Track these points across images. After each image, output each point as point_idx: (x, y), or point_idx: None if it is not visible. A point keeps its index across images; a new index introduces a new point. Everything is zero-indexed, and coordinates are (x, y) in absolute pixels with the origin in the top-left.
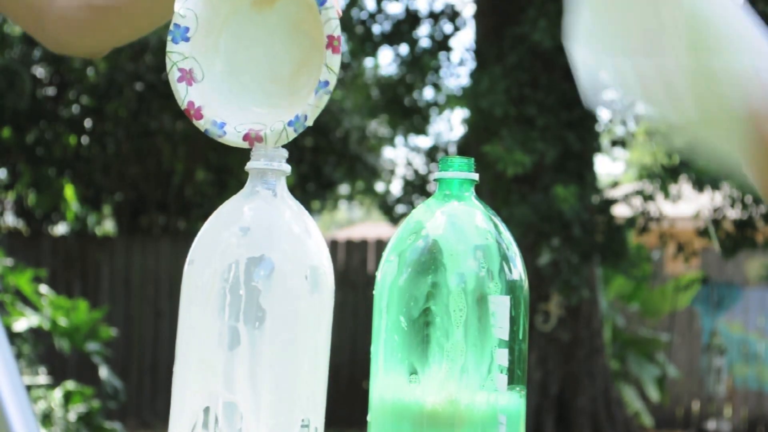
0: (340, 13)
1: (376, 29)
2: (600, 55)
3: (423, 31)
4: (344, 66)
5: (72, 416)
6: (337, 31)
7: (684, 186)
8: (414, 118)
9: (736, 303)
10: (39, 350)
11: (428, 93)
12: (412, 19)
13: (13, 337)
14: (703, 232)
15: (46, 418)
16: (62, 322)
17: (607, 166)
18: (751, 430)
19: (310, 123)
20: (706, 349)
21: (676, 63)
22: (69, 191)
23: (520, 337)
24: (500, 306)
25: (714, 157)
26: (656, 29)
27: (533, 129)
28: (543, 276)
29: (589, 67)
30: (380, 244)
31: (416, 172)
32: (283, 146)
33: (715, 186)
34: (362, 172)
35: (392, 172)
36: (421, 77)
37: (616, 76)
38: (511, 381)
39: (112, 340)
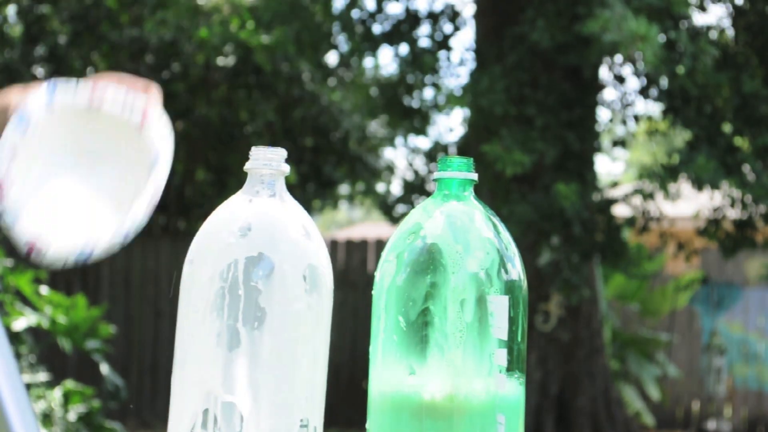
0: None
1: (376, 29)
2: None
3: (423, 31)
4: (344, 66)
5: (72, 416)
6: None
7: (684, 186)
8: (414, 119)
9: (736, 303)
10: (39, 350)
11: (428, 93)
12: (412, 19)
13: (12, 336)
14: (703, 232)
15: (46, 418)
16: (61, 320)
17: (607, 166)
18: (751, 430)
19: (101, 255)
20: (706, 349)
21: None
22: None
23: (519, 337)
24: (499, 306)
25: None
26: None
27: (533, 129)
28: (543, 276)
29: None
30: (380, 244)
31: (416, 172)
32: (282, 146)
33: (715, 185)
34: (362, 172)
35: (392, 172)
36: (421, 77)
37: None
38: (510, 381)
39: (112, 340)
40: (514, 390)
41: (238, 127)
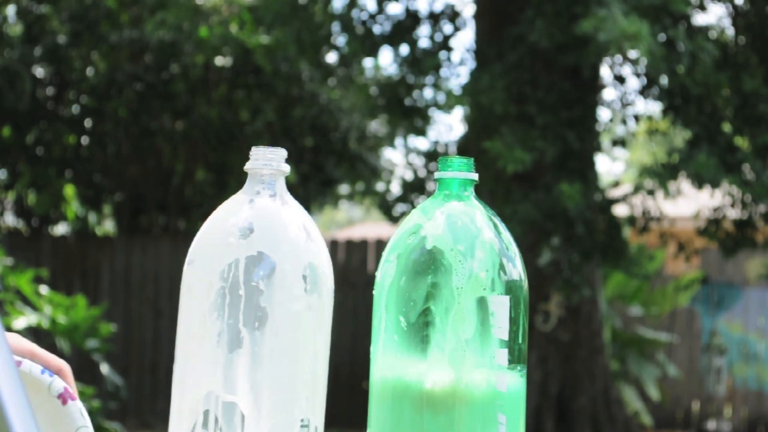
0: (76, 398)
1: (377, 29)
2: None
3: (423, 32)
4: (344, 66)
5: None
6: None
7: (684, 185)
8: (414, 118)
9: (736, 303)
10: None
11: (428, 93)
12: (412, 19)
13: None
14: (703, 232)
15: None
16: (61, 319)
17: (608, 166)
18: (751, 430)
19: None
20: (706, 349)
21: None
22: (69, 191)
23: (520, 337)
24: (500, 306)
25: None
26: None
27: (533, 127)
28: (543, 276)
29: None
30: (380, 244)
31: (415, 172)
32: (282, 146)
33: (715, 184)
34: (363, 171)
35: (392, 172)
36: (421, 77)
37: None
38: (512, 373)
39: (112, 340)
40: (515, 381)
41: (238, 127)
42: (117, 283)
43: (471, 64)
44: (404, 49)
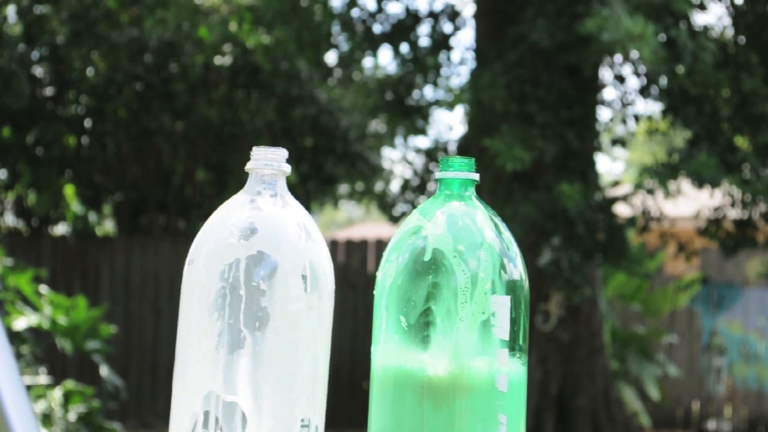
0: None
1: (377, 29)
2: None
3: (423, 31)
4: (344, 65)
5: (72, 416)
6: None
7: (684, 185)
8: (414, 117)
9: (736, 303)
10: (39, 350)
11: (428, 92)
12: (412, 18)
13: (13, 336)
14: (703, 232)
15: (46, 418)
16: (62, 320)
17: (608, 166)
18: (751, 430)
19: None
20: (706, 349)
21: None
22: (69, 191)
23: (521, 337)
24: (501, 306)
25: None
26: None
27: (533, 126)
28: (543, 276)
29: None
30: (380, 244)
31: (416, 172)
32: (282, 145)
33: (716, 184)
34: (363, 170)
35: (392, 171)
36: (421, 76)
37: None
38: (512, 360)
39: (112, 341)
40: (515, 381)
41: (238, 127)
42: (117, 283)
43: (471, 63)
44: (404, 48)
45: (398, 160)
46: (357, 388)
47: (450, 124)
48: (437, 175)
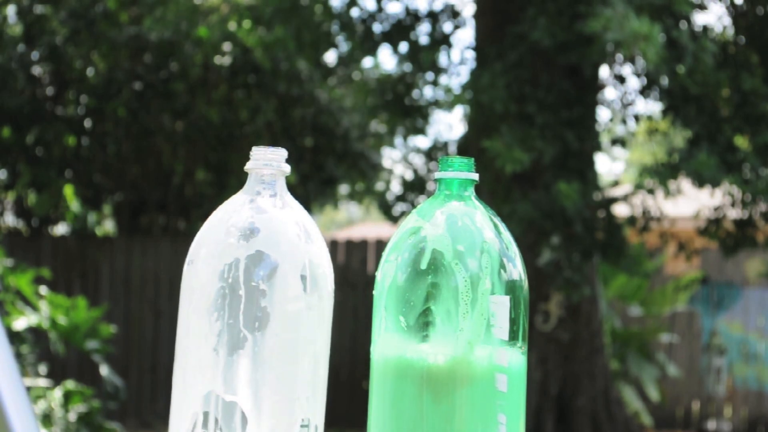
0: None
1: (376, 28)
2: None
3: (423, 31)
4: (344, 65)
5: (72, 416)
6: None
7: (684, 185)
8: (414, 117)
9: (736, 303)
10: (39, 350)
11: (428, 92)
12: (412, 18)
13: (13, 336)
14: (703, 231)
15: (46, 418)
16: (61, 320)
17: (608, 166)
18: (751, 430)
19: None
20: (706, 349)
21: None
22: (69, 191)
23: (520, 337)
24: (500, 306)
25: None
26: None
27: (532, 127)
28: (543, 276)
29: None
30: (380, 244)
31: (416, 171)
32: (282, 145)
33: (716, 183)
34: (363, 170)
35: (391, 171)
36: (421, 76)
37: None
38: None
39: (112, 341)
40: (514, 381)
41: (238, 127)
42: (117, 283)
43: (471, 63)
44: (404, 47)
45: (398, 160)
46: (357, 388)
47: (450, 124)
48: (437, 175)
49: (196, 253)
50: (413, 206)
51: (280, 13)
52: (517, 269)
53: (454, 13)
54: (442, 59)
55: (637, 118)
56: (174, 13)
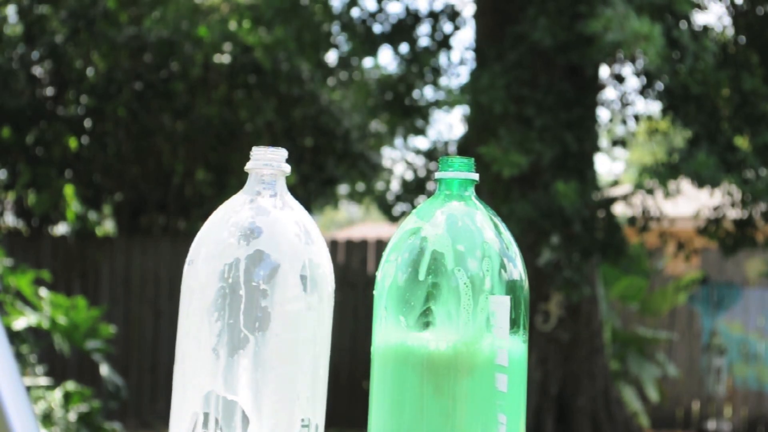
0: None
1: (377, 28)
2: None
3: (423, 31)
4: (344, 65)
5: (72, 416)
6: None
7: (684, 185)
8: (414, 117)
9: (736, 303)
10: (39, 350)
11: (428, 92)
12: (412, 18)
13: (13, 336)
14: (703, 231)
15: (46, 418)
16: (61, 320)
17: (608, 166)
18: (751, 430)
19: None
20: (706, 349)
21: None
22: (69, 191)
23: (520, 337)
24: (500, 306)
25: None
26: None
27: (531, 129)
28: (543, 276)
29: None
30: (380, 244)
31: (416, 172)
32: (282, 146)
33: (715, 183)
34: (363, 170)
35: (392, 171)
36: (421, 76)
37: None
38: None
39: (112, 341)
40: (515, 380)
41: (238, 127)
42: (117, 283)
43: (471, 63)
44: (404, 48)
45: (398, 160)
46: (357, 388)
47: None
48: (437, 175)
49: (196, 253)
50: (413, 206)
51: (280, 13)
52: (517, 269)
53: (454, 14)
54: (442, 60)
55: (637, 118)
56: (174, 13)
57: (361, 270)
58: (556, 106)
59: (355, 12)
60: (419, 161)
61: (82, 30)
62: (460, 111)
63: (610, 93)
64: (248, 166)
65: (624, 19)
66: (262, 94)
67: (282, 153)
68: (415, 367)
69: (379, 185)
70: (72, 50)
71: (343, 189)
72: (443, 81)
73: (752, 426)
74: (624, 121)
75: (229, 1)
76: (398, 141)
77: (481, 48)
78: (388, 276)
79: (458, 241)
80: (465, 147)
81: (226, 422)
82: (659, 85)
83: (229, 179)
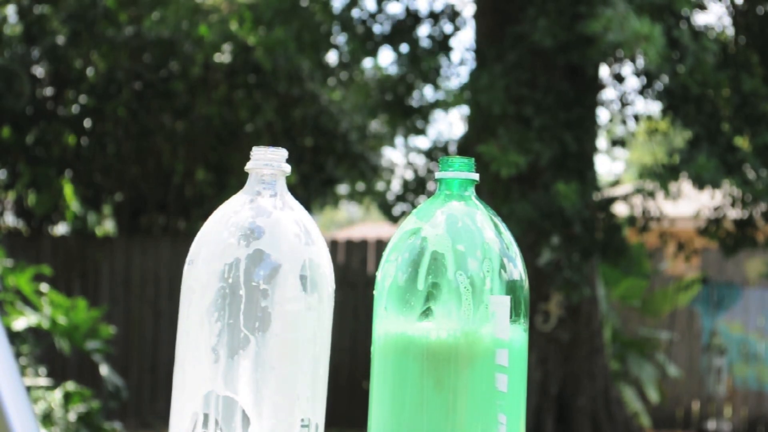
0: None
1: (377, 29)
2: None
3: (423, 31)
4: (344, 65)
5: (72, 416)
6: None
7: (685, 185)
8: (414, 118)
9: (736, 303)
10: (39, 350)
11: (428, 93)
12: (412, 18)
13: (13, 336)
14: (703, 231)
15: (46, 418)
16: (61, 320)
17: (608, 166)
18: (751, 430)
19: None
20: (706, 349)
21: None
22: (69, 191)
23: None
24: (500, 306)
25: None
26: None
27: (530, 129)
28: (543, 276)
29: None
30: (380, 244)
31: (416, 171)
32: (282, 146)
33: (716, 185)
34: (363, 170)
35: (392, 171)
36: (421, 77)
37: None
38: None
39: (112, 341)
40: (515, 380)
41: (238, 126)
42: (117, 283)
43: (471, 64)
44: (404, 48)
45: (399, 160)
46: (357, 389)
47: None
48: (437, 175)
49: (196, 253)
50: (413, 206)
51: (280, 14)
52: (517, 269)
53: (454, 14)
54: (442, 60)
55: (636, 118)
56: (174, 13)
57: (361, 270)
58: (555, 106)
59: (355, 12)
60: (420, 161)
61: (82, 31)
62: (461, 111)
63: (609, 93)
64: (248, 166)
65: (624, 19)
66: (261, 94)
67: (282, 153)
68: (416, 358)
69: (380, 186)
70: (72, 50)
71: (343, 189)
72: (443, 81)
73: (752, 426)
74: (624, 121)
75: (230, 1)
76: (398, 141)
77: (480, 48)
78: (388, 276)
79: (458, 241)
80: (465, 147)
81: (226, 422)
82: (659, 86)
83: (229, 179)
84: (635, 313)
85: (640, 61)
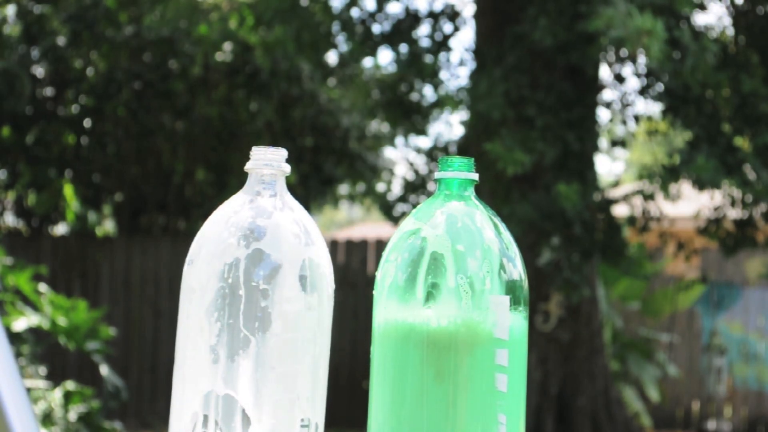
0: None
1: (376, 29)
2: None
3: (423, 31)
4: (344, 65)
5: (72, 416)
6: None
7: (684, 185)
8: (414, 118)
9: (736, 303)
10: (39, 350)
11: (428, 92)
12: (412, 18)
13: (13, 337)
14: (703, 231)
15: (46, 418)
16: (61, 321)
17: (608, 166)
18: (751, 430)
19: None
20: (706, 349)
21: None
22: (69, 191)
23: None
24: (500, 306)
25: None
26: None
27: (532, 129)
28: (543, 276)
29: None
30: (380, 244)
31: (416, 171)
32: (282, 145)
33: (716, 185)
34: (363, 170)
35: (392, 171)
36: (420, 77)
37: None
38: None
39: (112, 341)
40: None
41: (238, 126)
42: (117, 283)
43: (470, 64)
44: (404, 48)
45: (398, 160)
46: (357, 389)
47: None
48: (437, 175)
49: (196, 253)
50: (413, 206)
51: (279, 14)
52: (517, 269)
53: (454, 14)
54: (442, 61)
55: (637, 118)
56: (174, 12)
57: (361, 270)
58: (556, 106)
59: (354, 12)
60: (420, 161)
61: (82, 31)
62: (460, 113)
63: (610, 93)
64: (248, 166)
65: (626, 16)
66: (261, 94)
67: (282, 153)
68: (414, 393)
69: (380, 186)
70: (72, 50)
71: (343, 189)
72: (442, 82)
73: (752, 426)
74: (624, 122)
75: (231, 1)
76: (399, 141)
77: (480, 49)
78: (387, 276)
79: (458, 241)
80: (465, 147)
81: (225, 422)
82: (659, 86)
83: (229, 179)
84: (635, 314)
85: (641, 61)
